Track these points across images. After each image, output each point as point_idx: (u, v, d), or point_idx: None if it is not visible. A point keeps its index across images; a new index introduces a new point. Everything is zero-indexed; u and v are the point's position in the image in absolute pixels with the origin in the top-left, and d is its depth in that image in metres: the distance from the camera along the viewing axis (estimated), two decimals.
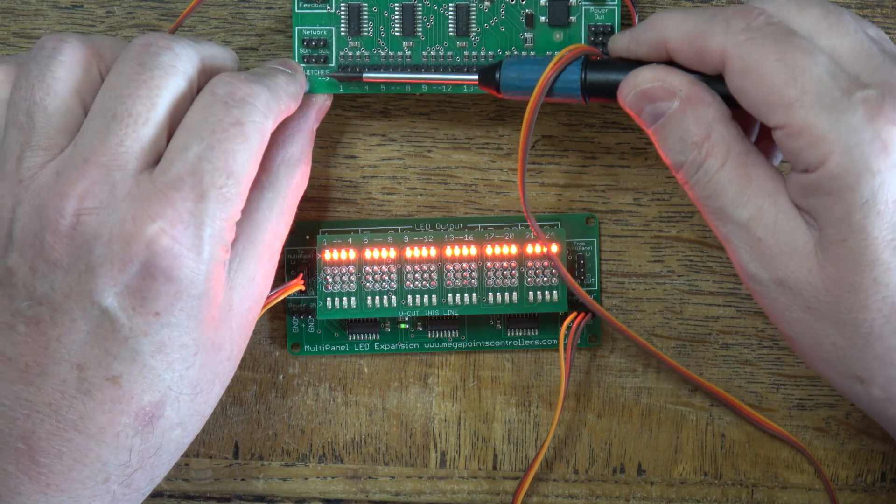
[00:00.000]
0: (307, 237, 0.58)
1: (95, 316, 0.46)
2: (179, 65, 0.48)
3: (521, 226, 0.58)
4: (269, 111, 0.49)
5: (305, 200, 0.58)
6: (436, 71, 0.55)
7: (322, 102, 0.55)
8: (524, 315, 0.58)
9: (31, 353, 0.46)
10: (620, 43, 0.51)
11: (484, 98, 0.58)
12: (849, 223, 0.45)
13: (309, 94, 0.54)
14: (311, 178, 0.56)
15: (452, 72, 0.55)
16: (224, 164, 0.47)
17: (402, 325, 0.58)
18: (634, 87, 0.50)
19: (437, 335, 0.58)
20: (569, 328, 0.56)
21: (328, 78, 0.55)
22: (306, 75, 0.55)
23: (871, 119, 0.45)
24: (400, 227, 0.58)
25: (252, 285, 0.50)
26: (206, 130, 0.47)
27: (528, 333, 0.58)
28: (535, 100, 0.51)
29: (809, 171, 0.46)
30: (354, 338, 0.58)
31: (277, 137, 0.52)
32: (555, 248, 0.56)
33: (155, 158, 0.47)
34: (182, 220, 0.46)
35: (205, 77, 0.49)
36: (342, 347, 0.58)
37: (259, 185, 0.51)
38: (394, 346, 0.58)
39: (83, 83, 0.48)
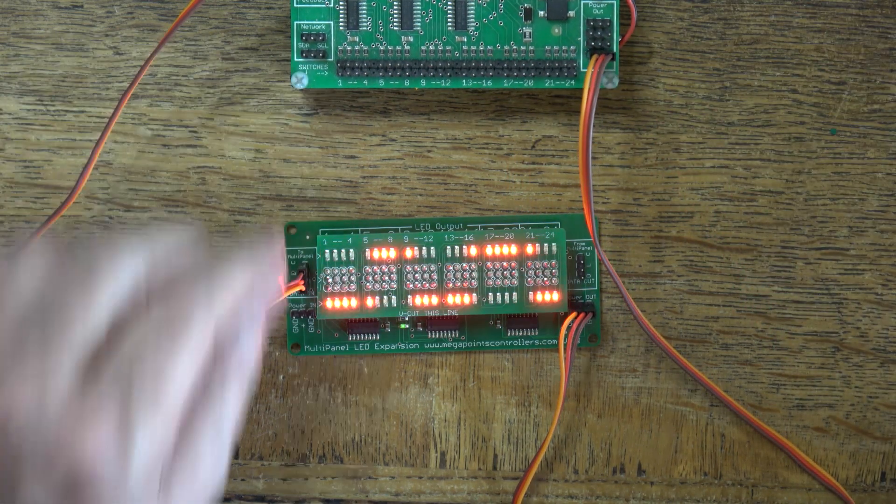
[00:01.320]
0: (307, 237, 0.56)
1: None
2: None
3: (522, 226, 0.56)
4: (205, 325, 0.44)
5: (305, 201, 0.56)
6: (435, 68, 0.54)
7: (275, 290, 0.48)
8: (524, 315, 0.56)
9: None
10: None
11: (484, 98, 0.57)
12: None
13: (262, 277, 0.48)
14: (311, 177, 0.55)
15: (450, 68, 0.54)
16: (153, 375, 0.43)
17: (403, 326, 0.56)
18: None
19: (438, 335, 0.56)
20: (568, 328, 0.55)
21: (326, 72, 0.54)
22: None
23: None
24: (400, 228, 0.56)
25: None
26: (135, 343, 0.43)
27: (528, 333, 0.57)
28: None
29: None
30: (354, 338, 0.56)
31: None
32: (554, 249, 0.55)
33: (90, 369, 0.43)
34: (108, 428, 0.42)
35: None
36: (342, 348, 0.57)
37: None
38: (394, 347, 0.57)
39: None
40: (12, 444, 0.42)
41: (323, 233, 0.56)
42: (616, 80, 0.54)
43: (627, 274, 0.57)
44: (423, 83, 0.54)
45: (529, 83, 0.54)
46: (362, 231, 0.56)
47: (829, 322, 0.56)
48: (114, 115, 0.54)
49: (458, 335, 0.56)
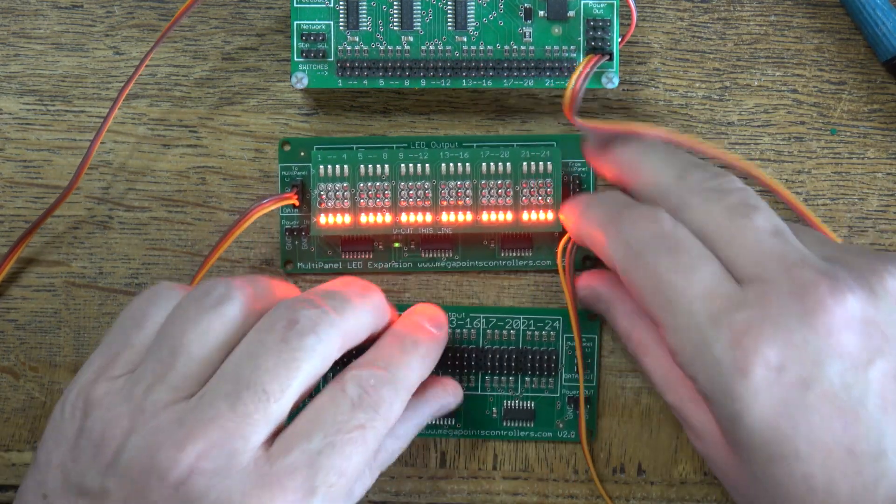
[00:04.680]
0: (301, 154, 0.56)
1: None
2: (321, 349, 0.46)
3: (517, 145, 0.55)
4: (392, 417, 0.47)
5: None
6: (435, 68, 0.53)
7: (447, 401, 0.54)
8: (518, 235, 0.56)
9: None
10: (562, 221, 0.53)
11: (484, 98, 0.56)
12: (724, 431, 0.45)
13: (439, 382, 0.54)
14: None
15: (450, 68, 0.53)
16: (339, 464, 0.44)
17: (396, 245, 0.56)
18: (577, 294, 0.54)
19: (431, 255, 0.56)
20: (564, 249, 0.54)
21: (326, 72, 0.54)
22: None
23: (733, 348, 0.43)
24: (395, 145, 0.56)
25: None
26: (332, 428, 0.45)
27: (522, 254, 0.56)
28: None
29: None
30: (348, 256, 0.56)
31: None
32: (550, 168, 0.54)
33: (274, 434, 0.45)
34: None
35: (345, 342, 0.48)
36: (335, 265, 0.56)
37: None
38: (387, 265, 0.56)
39: (232, 339, 0.46)
40: (196, 490, 0.43)
41: (318, 149, 0.55)
42: (616, 80, 0.53)
43: None
44: (423, 83, 0.53)
45: (529, 83, 0.53)
46: (357, 148, 0.55)
47: None
48: (110, 112, 0.54)
49: (451, 255, 0.56)
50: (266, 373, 0.44)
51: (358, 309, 0.48)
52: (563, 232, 0.54)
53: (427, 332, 0.51)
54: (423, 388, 0.52)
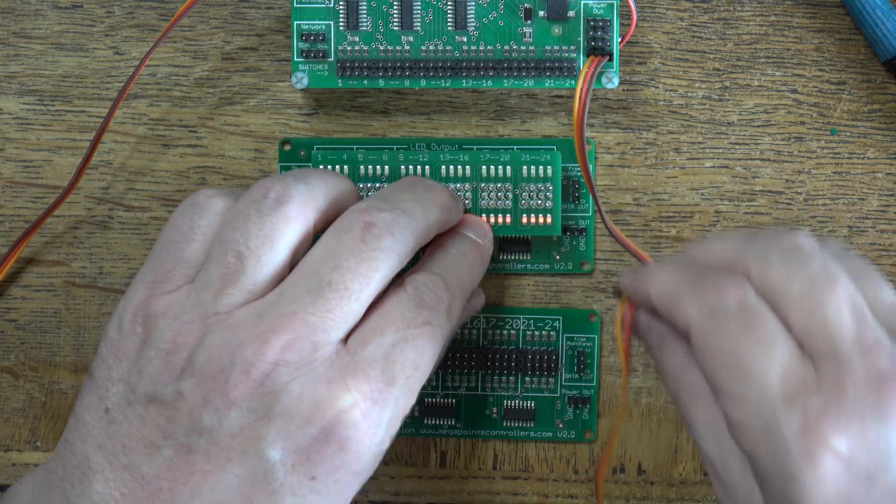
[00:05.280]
0: (301, 153, 0.56)
1: (253, 463, 0.43)
2: (397, 249, 0.46)
3: (517, 148, 0.56)
4: (453, 317, 0.48)
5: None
6: (435, 68, 0.53)
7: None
8: (518, 238, 0.56)
9: (169, 478, 0.43)
10: (624, 287, 0.51)
11: (484, 98, 0.56)
12: None
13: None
14: None
15: (450, 68, 0.53)
16: (414, 357, 0.45)
17: None
18: (633, 318, 0.51)
19: None
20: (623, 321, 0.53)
21: (326, 72, 0.54)
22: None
23: (804, 434, 0.43)
24: (395, 147, 0.56)
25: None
26: (402, 323, 0.46)
27: (521, 258, 0.56)
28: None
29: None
30: None
31: None
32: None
33: (351, 332, 0.45)
34: (373, 398, 0.44)
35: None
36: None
37: None
38: None
39: (301, 243, 0.46)
40: (282, 381, 0.43)
41: (318, 149, 0.55)
42: (616, 80, 0.53)
43: None
44: (423, 83, 0.53)
45: (529, 83, 0.53)
46: (357, 149, 0.55)
47: None
48: (110, 112, 0.54)
49: None
50: (348, 271, 0.45)
51: (428, 209, 0.49)
52: (562, 236, 0.55)
53: (474, 243, 0.52)
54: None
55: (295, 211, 0.46)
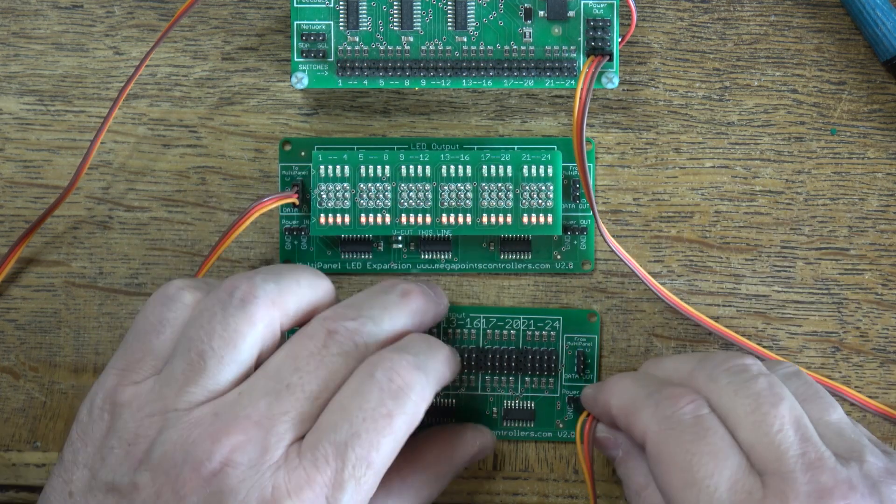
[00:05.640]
0: (302, 153, 0.56)
1: None
2: (357, 355, 0.47)
3: (518, 148, 0.56)
4: (423, 402, 0.47)
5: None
6: (435, 68, 0.53)
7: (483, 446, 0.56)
8: (518, 238, 0.56)
9: None
10: (586, 400, 0.54)
11: (484, 98, 0.56)
12: None
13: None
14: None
15: (450, 68, 0.53)
16: (367, 455, 0.45)
17: (396, 246, 0.56)
18: (592, 436, 0.53)
19: (430, 256, 0.56)
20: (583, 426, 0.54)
21: (326, 72, 0.54)
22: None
23: None
24: (395, 146, 0.56)
25: None
26: (358, 417, 0.45)
27: (521, 257, 0.56)
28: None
29: None
30: (347, 256, 0.56)
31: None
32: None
33: (307, 430, 0.46)
34: None
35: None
36: (334, 266, 0.56)
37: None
38: (386, 266, 0.56)
39: (267, 343, 0.47)
40: (229, 483, 0.44)
41: (318, 149, 0.55)
42: (616, 80, 0.53)
43: (627, 273, 0.56)
44: (423, 83, 0.53)
45: (529, 83, 0.53)
46: (358, 149, 0.55)
47: (829, 322, 0.56)
48: (110, 112, 0.54)
49: (450, 256, 0.56)
50: (307, 375, 0.45)
51: (395, 316, 0.49)
52: (562, 236, 0.55)
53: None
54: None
55: (259, 313, 0.46)
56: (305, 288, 0.48)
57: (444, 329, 0.55)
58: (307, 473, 0.44)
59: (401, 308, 0.49)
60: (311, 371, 0.45)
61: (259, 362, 0.47)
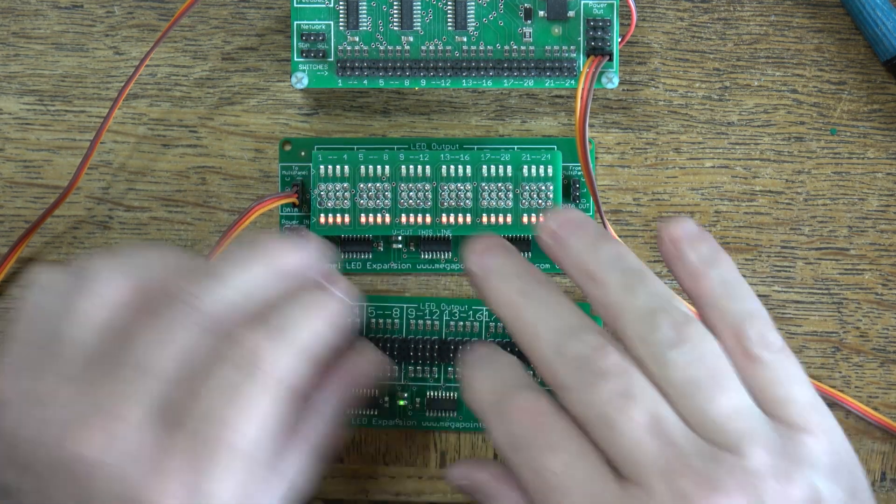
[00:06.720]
0: (302, 153, 0.56)
1: None
2: (205, 322, 0.43)
3: (518, 148, 0.55)
4: (286, 371, 0.43)
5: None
6: (435, 68, 0.53)
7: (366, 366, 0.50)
8: (518, 238, 0.55)
9: None
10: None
11: (484, 98, 0.56)
12: None
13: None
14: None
15: (450, 68, 0.53)
16: (224, 436, 0.42)
17: (396, 246, 0.56)
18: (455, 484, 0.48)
19: (430, 256, 0.56)
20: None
21: (326, 72, 0.54)
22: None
23: None
24: (395, 146, 0.56)
25: None
26: (206, 397, 0.42)
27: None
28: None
29: None
30: (347, 256, 0.56)
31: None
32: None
33: (161, 410, 0.42)
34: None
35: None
36: (334, 266, 0.55)
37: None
38: (386, 266, 0.56)
39: (112, 319, 0.43)
40: (78, 485, 0.41)
41: (318, 149, 0.55)
42: (616, 80, 0.53)
43: None
44: (423, 83, 0.53)
45: (529, 83, 0.53)
46: (358, 149, 0.55)
47: (829, 322, 0.56)
48: (110, 112, 0.54)
49: (450, 256, 0.56)
50: (152, 350, 0.42)
51: (256, 275, 0.45)
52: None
53: (330, 296, 0.46)
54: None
55: (109, 293, 0.43)
56: (156, 260, 0.45)
57: (455, 327, 0.55)
58: (163, 462, 0.40)
59: (260, 264, 0.45)
60: (155, 347, 0.42)
61: (107, 339, 0.43)
